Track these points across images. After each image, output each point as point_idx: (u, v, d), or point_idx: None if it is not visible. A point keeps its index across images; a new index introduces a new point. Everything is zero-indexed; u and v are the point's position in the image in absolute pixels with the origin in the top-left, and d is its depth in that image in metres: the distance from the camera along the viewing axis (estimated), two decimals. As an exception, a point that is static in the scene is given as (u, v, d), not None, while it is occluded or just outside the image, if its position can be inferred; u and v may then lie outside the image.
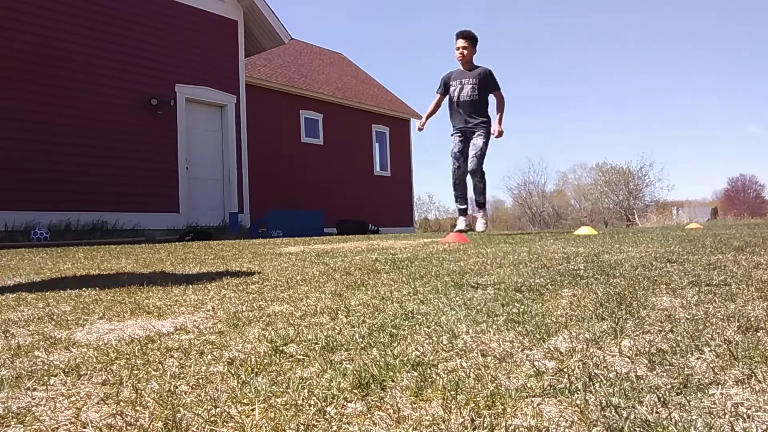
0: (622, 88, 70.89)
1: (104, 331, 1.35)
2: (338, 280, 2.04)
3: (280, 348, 1.07)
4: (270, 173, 13.17)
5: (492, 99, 5.36)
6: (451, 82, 5.40)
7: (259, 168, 12.09)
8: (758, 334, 1.02)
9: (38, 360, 1.08)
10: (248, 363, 0.98)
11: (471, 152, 5.24)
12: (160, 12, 9.77)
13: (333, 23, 79.01)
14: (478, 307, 1.39)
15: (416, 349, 1.03)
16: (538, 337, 1.08)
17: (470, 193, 5.54)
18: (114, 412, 0.77)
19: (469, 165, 5.24)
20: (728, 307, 1.27)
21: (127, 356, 1.07)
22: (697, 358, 0.89)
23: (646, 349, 0.96)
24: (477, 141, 5.24)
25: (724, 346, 0.94)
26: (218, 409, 0.76)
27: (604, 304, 1.37)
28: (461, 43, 5.29)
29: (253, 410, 0.75)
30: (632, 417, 0.67)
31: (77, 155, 8.54)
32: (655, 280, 1.72)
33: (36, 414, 0.78)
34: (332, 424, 0.70)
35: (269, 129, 13.57)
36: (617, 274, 1.90)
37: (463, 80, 5.31)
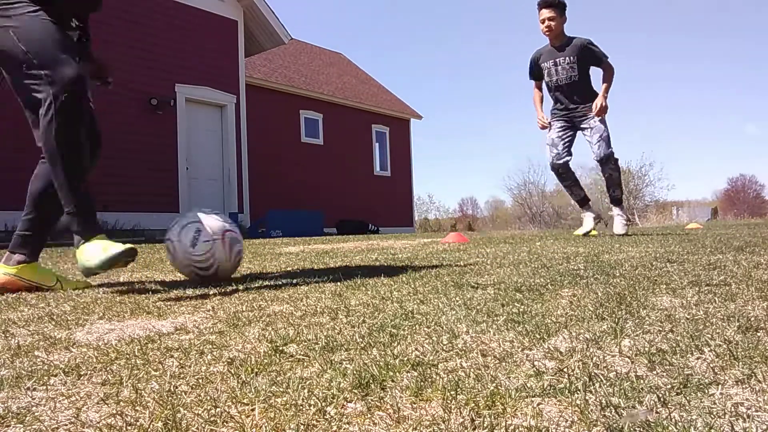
0: (622, 89, 71.02)
1: (104, 331, 1.35)
2: (338, 280, 2.04)
3: (280, 348, 1.07)
4: (270, 173, 13.16)
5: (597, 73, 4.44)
6: (541, 64, 4.54)
7: (259, 168, 12.09)
8: (758, 334, 1.02)
9: (38, 360, 1.08)
10: (248, 363, 0.98)
11: (594, 137, 4.36)
12: (160, 12, 9.77)
13: (333, 23, 78.92)
14: (478, 307, 1.39)
15: (416, 349, 1.03)
16: (538, 337, 1.08)
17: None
18: (114, 412, 0.77)
19: (596, 152, 4.39)
20: (728, 307, 1.27)
21: (127, 356, 1.07)
22: (697, 358, 0.89)
23: (646, 349, 0.96)
24: (593, 123, 4.36)
25: (724, 346, 0.94)
26: (218, 409, 0.76)
27: (604, 304, 1.37)
28: (546, 13, 4.37)
29: (253, 410, 0.75)
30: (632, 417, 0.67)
31: (77, 155, 8.53)
32: (655, 280, 1.72)
33: (36, 414, 0.78)
34: (332, 424, 0.70)
35: (269, 129, 13.57)
36: (617, 274, 1.91)
37: (557, 59, 4.44)
